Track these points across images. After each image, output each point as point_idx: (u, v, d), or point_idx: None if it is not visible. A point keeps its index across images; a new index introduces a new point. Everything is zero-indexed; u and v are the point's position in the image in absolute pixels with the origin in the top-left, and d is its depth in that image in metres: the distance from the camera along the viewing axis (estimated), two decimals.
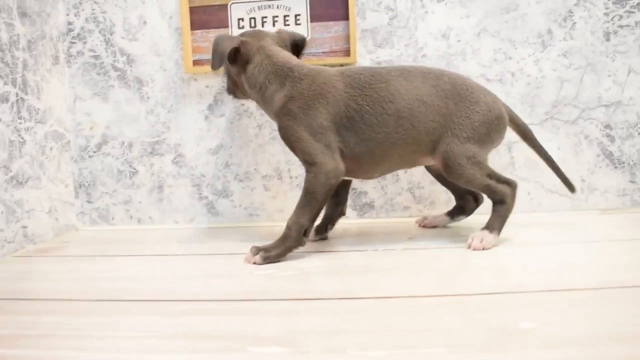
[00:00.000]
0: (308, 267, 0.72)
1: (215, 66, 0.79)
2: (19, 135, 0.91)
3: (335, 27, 1.00)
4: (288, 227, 0.75)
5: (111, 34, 1.05)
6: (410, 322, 0.51)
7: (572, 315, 0.50)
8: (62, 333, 0.51)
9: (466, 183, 0.79)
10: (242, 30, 1.00)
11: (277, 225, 1.01)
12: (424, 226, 0.96)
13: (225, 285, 0.65)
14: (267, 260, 0.74)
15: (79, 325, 0.54)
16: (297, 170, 1.04)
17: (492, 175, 0.79)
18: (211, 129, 1.05)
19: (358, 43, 1.00)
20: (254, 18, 1.00)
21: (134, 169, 1.07)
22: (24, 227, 0.92)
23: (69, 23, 1.06)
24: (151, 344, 0.48)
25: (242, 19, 1.01)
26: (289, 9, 1.00)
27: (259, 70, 0.80)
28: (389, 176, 1.03)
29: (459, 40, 1.00)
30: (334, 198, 0.88)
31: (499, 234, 0.78)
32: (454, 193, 0.93)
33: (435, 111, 0.78)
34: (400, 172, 1.02)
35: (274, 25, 1.00)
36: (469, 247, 0.76)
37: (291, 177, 1.04)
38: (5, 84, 0.88)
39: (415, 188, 1.03)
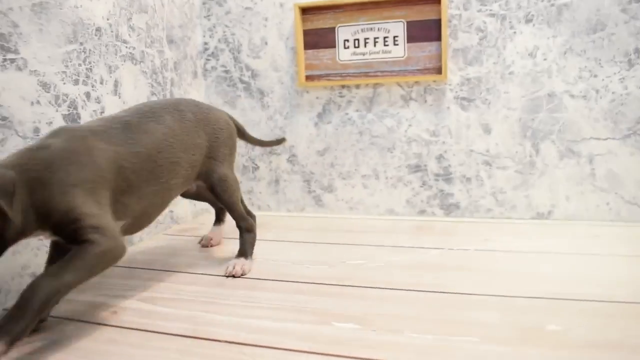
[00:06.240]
0: (394, 260, 0.89)
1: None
2: None
3: (429, 47, 1.12)
4: None
5: (239, 52, 1.25)
6: (457, 315, 0.66)
7: (593, 324, 0.62)
8: (202, 299, 0.73)
9: (229, 204, 0.86)
10: (347, 50, 1.16)
11: (373, 218, 1.18)
12: (210, 246, 1.01)
13: (324, 271, 0.84)
14: None
15: (215, 295, 0.75)
16: (392, 171, 1.19)
17: (242, 202, 0.92)
18: (320, 134, 1.23)
19: (450, 61, 1.11)
20: (358, 39, 1.15)
21: (256, 164, 1.28)
22: (171, 211, 1.17)
23: (205, 43, 1.28)
24: (264, 313, 0.68)
25: (348, 40, 1.16)
26: (389, 31, 1.13)
27: None
28: (474, 182, 1.14)
29: (545, 59, 1.07)
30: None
31: (252, 257, 0.89)
32: (212, 205, 1.06)
33: (194, 144, 0.81)
34: (484, 177, 1.14)
35: (374, 45, 1.14)
36: (228, 274, 0.83)
37: (387, 178, 1.20)
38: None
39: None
